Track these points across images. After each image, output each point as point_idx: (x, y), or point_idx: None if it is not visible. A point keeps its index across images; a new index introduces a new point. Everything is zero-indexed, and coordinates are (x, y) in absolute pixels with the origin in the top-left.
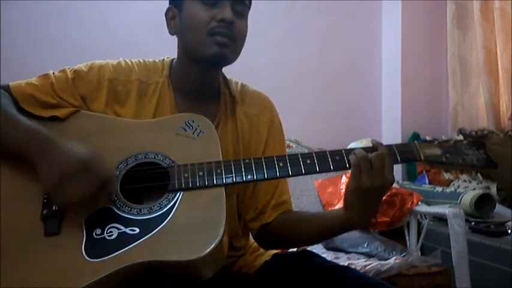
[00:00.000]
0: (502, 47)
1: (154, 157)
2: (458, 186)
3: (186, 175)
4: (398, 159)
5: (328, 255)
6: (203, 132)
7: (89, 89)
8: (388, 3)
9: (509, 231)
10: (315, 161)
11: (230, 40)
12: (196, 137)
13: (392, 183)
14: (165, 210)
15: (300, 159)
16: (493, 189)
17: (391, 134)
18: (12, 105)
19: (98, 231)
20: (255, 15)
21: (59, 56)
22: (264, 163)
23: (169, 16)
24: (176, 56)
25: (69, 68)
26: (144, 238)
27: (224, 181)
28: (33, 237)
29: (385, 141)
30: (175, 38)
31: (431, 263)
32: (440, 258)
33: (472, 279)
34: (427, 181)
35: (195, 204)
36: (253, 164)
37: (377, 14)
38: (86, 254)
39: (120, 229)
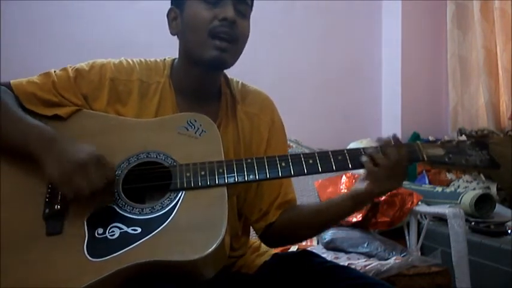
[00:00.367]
0: (502, 47)
1: (156, 156)
2: (458, 186)
3: (188, 174)
4: None
5: (328, 255)
6: (205, 131)
7: (91, 88)
8: (388, 3)
9: (509, 231)
10: (317, 161)
11: (230, 44)
12: (198, 137)
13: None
14: (167, 209)
15: (302, 159)
16: (493, 189)
17: (391, 134)
18: (15, 104)
19: (100, 230)
20: (254, 15)
21: (60, 55)
22: (266, 163)
23: (171, 17)
24: (177, 56)
25: (70, 67)
26: (146, 238)
27: (226, 181)
28: (35, 237)
29: None
30: (176, 38)
31: (431, 263)
32: (440, 258)
33: (472, 279)
34: (427, 181)
35: (196, 204)
36: (255, 164)
37: (377, 14)
38: (88, 253)
39: (122, 229)
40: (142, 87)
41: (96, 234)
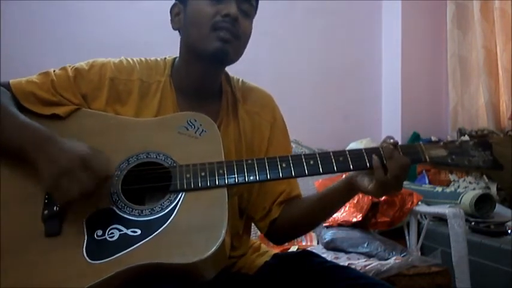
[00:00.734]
0: (502, 47)
1: (156, 157)
2: (458, 186)
3: (188, 175)
4: None
5: (328, 255)
6: (205, 131)
7: (90, 88)
8: (388, 3)
9: (509, 231)
10: (318, 162)
11: (233, 37)
12: (198, 137)
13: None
14: (166, 211)
15: (303, 160)
16: (493, 189)
17: (391, 134)
18: (12, 103)
19: (99, 232)
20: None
21: (60, 55)
22: (266, 163)
23: (174, 12)
24: (178, 55)
25: (70, 66)
26: (146, 240)
27: (226, 182)
28: (34, 238)
29: None
30: (177, 37)
31: (431, 263)
32: (440, 258)
33: (472, 279)
34: (427, 181)
35: (197, 205)
36: (255, 165)
37: (377, 14)
38: (87, 255)
39: (122, 230)
40: (143, 86)
41: (95, 236)
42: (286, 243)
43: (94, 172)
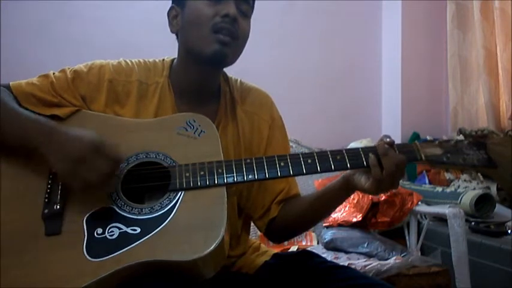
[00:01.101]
0: (502, 47)
1: (156, 157)
2: (459, 186)
3: (187, 175)
4: None
5: (328, 255)
6: (204, 132)
7: (89, 90)
8: (388, 3)
9: (509, 231)
10: (316, 160)
11: (232, 39)
12: (197, 137)
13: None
14: (166, 210)
15: (301, 159)
16: (493, 189)
17: (391, 134)
18: (14, 101)
19: (99, 230)
20: (254, 15)
21: (59, 56)
22: (265, 163)
23: (172, 15)
24: (176, 56)
25: (69, 68)
26: (145, 238)
27: (225, 181)
28: (34, 237)
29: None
30: (175, 39)
31: (431, 263)
32: (440, 258)
33: (472, 279)
34: (427, 181)
35: (196, 204)
36: (254, 164)
37: (377, 14)
38: (87, 253)
39: (122, 229)
40: (142, 88)
41: (95, 234)
42: (286, 243)
43: (107, 156)
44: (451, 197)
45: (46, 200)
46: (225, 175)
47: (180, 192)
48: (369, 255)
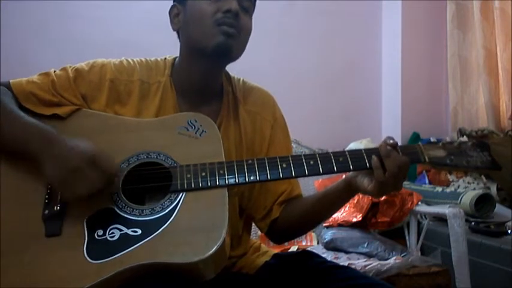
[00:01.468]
0: (502, 47)
1: (157, 157)
2: (459, 186)
3: (188, 176)
4: None
5: (328, 255)
6: (205, 132)
7: (90, 89)
8: (388, 3)
9: (509, 231)
10: (319, 162)
11: (236, 31)
12: (198, 137)
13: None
14: (167, 211)
15: (304, 160)
16: (493, 189)
17: (391, 134)
18: (14, 103)
19: (100, 232)
20: (255, 15)
21: (60, 55)
22: (267, 164)
23: (174, 13)
24: (178, 55)
25: (70, 67)
26: (146, 240)
27: (227, 182)
28: (34, 238)
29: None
30: (176, 37)
31: (431, 263)
32: (440, 258)
33: (472, 279)
34: (427, 181)
35: (197, 206)
36: (256, 165)
37: (377, 14)
38: (87, 255)
39: (122, 230)
40: (143, 87)
41: (96, 236)
42: (286, 243)
43: (103, 171)
44: (451, 197)
45: (46, 201)
46: (226, 176)
47: (181, 194)
48: (369, 255)
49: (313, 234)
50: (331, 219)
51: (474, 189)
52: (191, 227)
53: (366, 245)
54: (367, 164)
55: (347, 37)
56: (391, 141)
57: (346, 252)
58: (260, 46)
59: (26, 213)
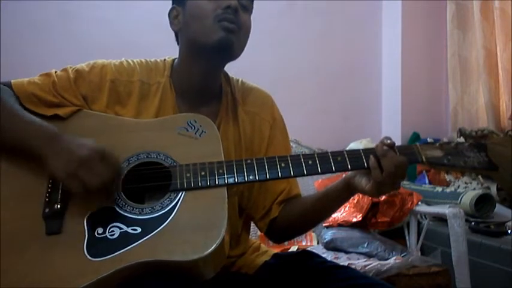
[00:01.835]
0: (502, 47)
1: (157, 157)
2: (459, 186)
3: (188, 175)
4: None
5: (328, 255)
6: (205, 132)
7: (90, 89)
8: (388, 3)
9: (509, 231)
10: (317, 162)
11: (237, 27)
12: (198, 137)
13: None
14: (166, 210)
15: (302, 160)
16: (493, 189)
17: (391, 134)
18: (16, 102)
19: (100, 230)
20: (254, 15)
21: (60, 55)
22: (266, 163)
23: (173, 15)
24: (178, 56)
25: (71, 67)
26: (146, 238)
27: (226, 181)
28: (35, 236)
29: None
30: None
31: (431, 263)
32: (440, 258)
33: (472, 279)
34: (427, 181)
35: (196, 204)
36: (255, 165)
37: (377, 14)
38: (87, 253)
39: (122, 228)
40: (143, 88)
41: (96, 234)
42: (286, 243)
43: (110, 164)
44: (451, 197)
45: (47, 199)
46: (225, 175)
47: (180, 193)
48: (369, 255)
49: (313, 234)
50: (331, 219)
51: (474, 189)
52: (190, 226)
53: (366, 245)
54: (365, 164)
55: (347, 37)
56: (389, 141)
57: (346, 252)
58: (260, 46)
59: (26, 211)
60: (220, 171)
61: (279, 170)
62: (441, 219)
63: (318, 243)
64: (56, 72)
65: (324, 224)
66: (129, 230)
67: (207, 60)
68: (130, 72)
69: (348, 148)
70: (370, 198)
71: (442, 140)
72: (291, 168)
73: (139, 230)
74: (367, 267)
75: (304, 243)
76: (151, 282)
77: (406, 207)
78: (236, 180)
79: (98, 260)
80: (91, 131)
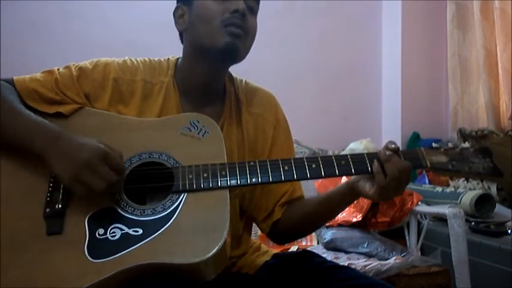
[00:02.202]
0: (502, 47)
1: (159, 157)
2: (458, 186)
3: (190, 176)
4: None
5: (328, 255)
6: (208, 132)
7: (93, 87)
8: (388, 3)
9: (509, 231)
10: (321, 165)
11: (243, 32)
12: (201, 138)
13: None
14: (168, 211)
15: (306, 163)
16: (493, 189)
17: (391, 134)
18: (18, 100)
19: (101, 231)
20: None
21: (60, 54)
22: (269, 166)
23: (178, 14)
24: (182, 55)
25: (74, 65)
26: (147, 240)
27: (228, 183)
28: (36, 236)
29: (385, 142)
30: (178, 37)
31: (431, 263)
32: (440, 258)
33: (472, 279)
34: (427, 181)
35: (198, 206)
36: (258, 167)
37: (377, 14)
38: (88, 254)
39: (123, 230)
40: (146, 87)
41: (97, 235)
42: (287, 243)
43: (113, 165)
44: (451, 197)
45: (48, 199)
46: (228, 178)
47: (182, 194)
48: (369, 255)
49: (313, 234)
50: None
51: (474, 189)
52: (192, 228)
53: (366, 245)
54: (369, 169)
55: (347, 37)
56: (393, 145)
57: (346, 252)
58: (260, 46)
59: (27, 211)
60: (223, 173)
61: (282, 173)
62: (441, 219)
63: (318, 243)
64: (58, 69)
65: None
66: (131, 231)
67: (211, 62)
68: (133, 71)
69: (348, 148)
70: None
71: (442, 139)
72: (294, 172)
73: (140, 231)
74: (367, 267)
75: (304, 243)
76: (152, 284)
77: (406, 207)
78: (239, 182)
79: (99, 261)
80: (93, 129)
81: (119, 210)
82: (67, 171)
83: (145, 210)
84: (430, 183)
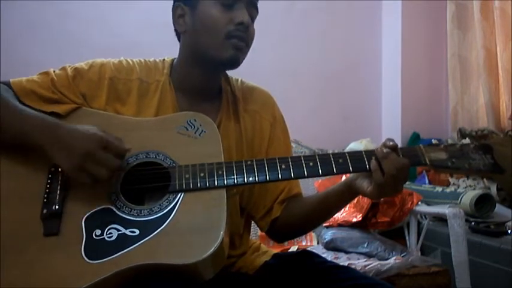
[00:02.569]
0: (502, 47)
1: (156, 157)
2: (458, 186)
3: (187, 176)
4: None
5: (328, 255)
6: (205, 131)
7: (89, 88)
8: (388, 3)
9: (509, 231)
10: (318, 163)
11: (245, 44)
12: (198, 137)
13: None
14: (165, 211)
15: (303, 161)
16: (493, 189)
17: (391, 134)
18: (15, 98)
19: (98, 232)
20: None
21: (60, 55)
22: (266, 165)
23: (178, 13)
24: (178, 55)
25: (69, 66)
26: (144, 240)
27: (225, 182)
28: (33, 237)
29: None
30: (175, 38)
31: (431, 263)
32: (440, 258)
33: (472, 279)
34: (427, 181)
35: (195, 206)
36: (255, 166)
37: (377, 14)
38: (85, 255)
39: (120, 230)
40: (142, 86)
41: (93, 236)
42: (286, 243)
43: (113, 150)
44: (451, 197)
45: (45, 200)
46: (225, 177)
47: (179, 194)
48: (369, 255)
49: (313, 234)
50: (331, 219)
51: (474, 189)
52: (189, 228)
53: (366, 245)
54: (367, 166)
55: (347, 37)
56: (391, 143)
57: (346, 252)
58: (260, 46)
59: (24, 212)
60: (220, 172)
61: (279, 171)
62: (441, 219)
63: (318, 243)
64: (54, 71)
65: (324, 224)
66: (127, 232)
67: (210, 69)
68: (129, 71)
69: (347, 148)
70: None
71: (442, 140)
72: (291, 170)
73: (137, 232)
74: (367, 267)
75: (304, 243)
76: (149, 284)
77: (406, 207)
78: (236, 181)
79: (96, 262)
80: None
81: (116, 211)
82: (68, 161)
83: (142, 211)
84: (430, 183)
